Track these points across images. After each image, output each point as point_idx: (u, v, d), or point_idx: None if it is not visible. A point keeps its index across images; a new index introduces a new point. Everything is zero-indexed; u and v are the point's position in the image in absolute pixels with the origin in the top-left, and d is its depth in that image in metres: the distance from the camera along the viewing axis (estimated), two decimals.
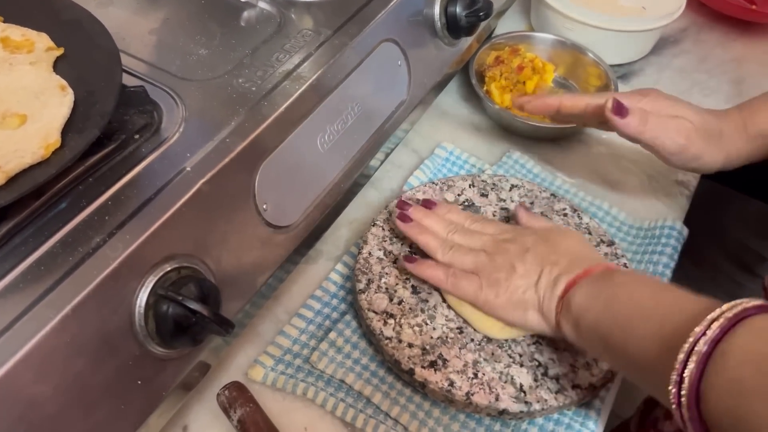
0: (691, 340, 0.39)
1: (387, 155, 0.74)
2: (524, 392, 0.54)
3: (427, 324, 0.57)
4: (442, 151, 0.75)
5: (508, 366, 0.55)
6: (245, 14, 0.61)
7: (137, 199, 0.45)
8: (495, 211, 0.66)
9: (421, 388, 0.54)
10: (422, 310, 0.58)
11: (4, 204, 0.39)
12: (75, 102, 0.46)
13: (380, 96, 0.64)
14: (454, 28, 0.69)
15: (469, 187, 0.68)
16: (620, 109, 0.62)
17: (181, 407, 0.53)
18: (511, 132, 0.79)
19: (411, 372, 0.54)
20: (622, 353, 0.46)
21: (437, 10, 0.68)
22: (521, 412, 0.53)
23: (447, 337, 0.56)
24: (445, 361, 0.55)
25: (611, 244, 0.65)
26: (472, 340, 0.57)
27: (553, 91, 0.84)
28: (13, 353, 0.37)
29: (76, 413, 0.41)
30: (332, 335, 0.58)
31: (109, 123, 0.46)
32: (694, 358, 0.39)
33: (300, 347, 0.58)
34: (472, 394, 0.53)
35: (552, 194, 0.68)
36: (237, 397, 0.52)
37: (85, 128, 0.44)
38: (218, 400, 0.53)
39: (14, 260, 0.41)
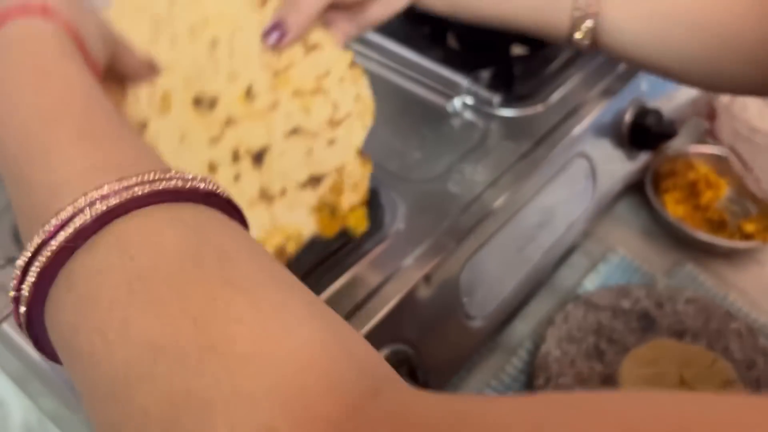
0: (36, 241, 0.26)
1: (562, 257, 0.78)
2: None
3: None
4: (614, 256, 0.78)
5: None
6: (452, 122, 0.68)
7: (367, 286, 0.52)
8: (670, 324, 0.69)
9: None
10: None
11: None
12: None
13: (568, 204, 0.69)
14: (640, 144, 0.73)
15: (645, 296, 0.71)
16: None
17: None
18: (684, 244, 0.81)
19: None
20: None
21: (625, 127, 0.72)
22: None
23: None
24: None
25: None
26: None
27: (726, 207, 0.85)
28: None
29: None
30: None
31: None
32: (32, 274, 0.26)
33: None
34: None
35: (727, 311, 0.70)
36: None
37: None
38: None
39: None
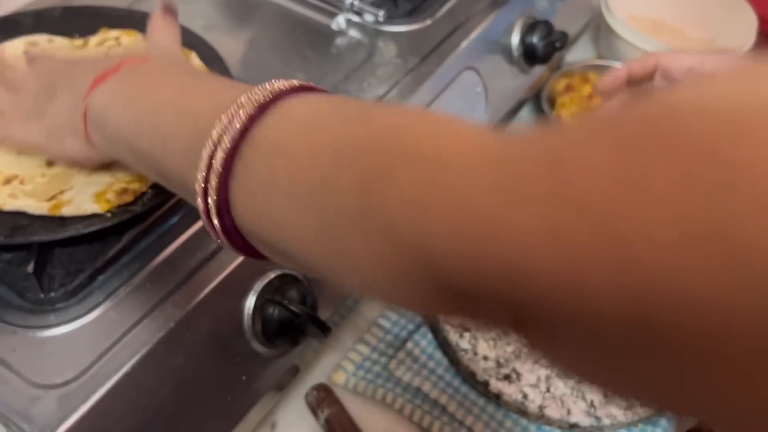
0: (214, 133, 0.31)
1: None
2: (595, 407, 0.56)
3: (501, 338, 0.60)
4: None
5: (580, 382, 0.58)
6: (337, 41, 0.66)
7: None
8: None
9: (495, 399, 0.57)
10: None
11: (141, 211, 0.44)
12: None
13: None
14: (531, 57, 0.72)
15: None
16: None
17: (271, 406, 0.57)
18: None
19: (486, 383, 0.57)
20: (152, 161, 0.37)
21: (515, 39, 0.71)
22: (591, 426, 0.55)
23: (521, 351, 0.59)
24: (518, 374, 0.58)
25: None
26: None
27: None
28: (141, 346, 0.42)
29: (192, 403, 0.45)
30: (409, 345, 0.62)
31: None
32: (219, 156, 0.31)
33: (379, 355, 0.62)
34: (545, 408, 0.56)
35: None
36: (324, 397, 0.55)
37: None
38: (306, 400, 0.57)
39: (141, 262, 0.46)
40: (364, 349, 0.62)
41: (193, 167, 0.32)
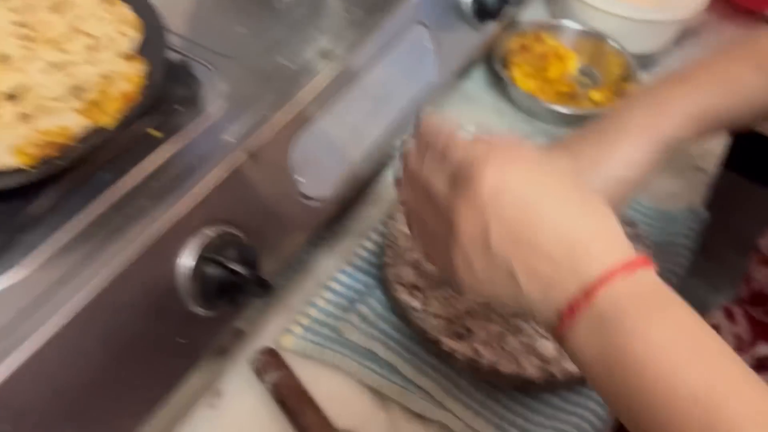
0: None
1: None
2: (548, 362, 0.55)
3: (453, 296, 0.59)
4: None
5: (532, 338, 0.57)
6: None
7: (181, 166, 0.47)
8: None
9: (448, 357, 0.56)
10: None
11: (67, 165, 0.42)
12: None
13: (409, 76, 0.66)
14: (481, 12, 0.71)
15: None
16: None
17: (215, 373, 0.55)
18: (534, 117, 0.80)
19: (437, 342, 0.56)
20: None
21: None
22: (545, 382, 0.54)
23: (473, 309, 0.58)
24: (470, 331, 0.57)
25: (632, 225, 0.67)
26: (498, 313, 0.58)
27: (577, 79, 0.85)
28: (68, 308, 0.39)
29: (125, 366, 0.43)
30: (360, 307, 0.60)
31: None
32: None
33: (328, 317, 0.60)
34: (497, 364, 0.55)
35: None
36: (271, 362, 0.54)
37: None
38: (253, 366, 0.55)
39: (66, 220, 0.43)
40: (313, 312, 0.60)
41: None
